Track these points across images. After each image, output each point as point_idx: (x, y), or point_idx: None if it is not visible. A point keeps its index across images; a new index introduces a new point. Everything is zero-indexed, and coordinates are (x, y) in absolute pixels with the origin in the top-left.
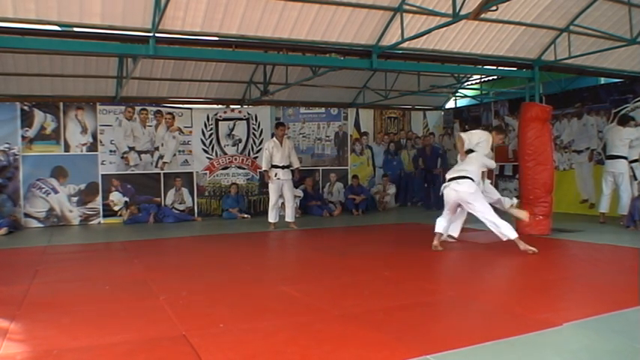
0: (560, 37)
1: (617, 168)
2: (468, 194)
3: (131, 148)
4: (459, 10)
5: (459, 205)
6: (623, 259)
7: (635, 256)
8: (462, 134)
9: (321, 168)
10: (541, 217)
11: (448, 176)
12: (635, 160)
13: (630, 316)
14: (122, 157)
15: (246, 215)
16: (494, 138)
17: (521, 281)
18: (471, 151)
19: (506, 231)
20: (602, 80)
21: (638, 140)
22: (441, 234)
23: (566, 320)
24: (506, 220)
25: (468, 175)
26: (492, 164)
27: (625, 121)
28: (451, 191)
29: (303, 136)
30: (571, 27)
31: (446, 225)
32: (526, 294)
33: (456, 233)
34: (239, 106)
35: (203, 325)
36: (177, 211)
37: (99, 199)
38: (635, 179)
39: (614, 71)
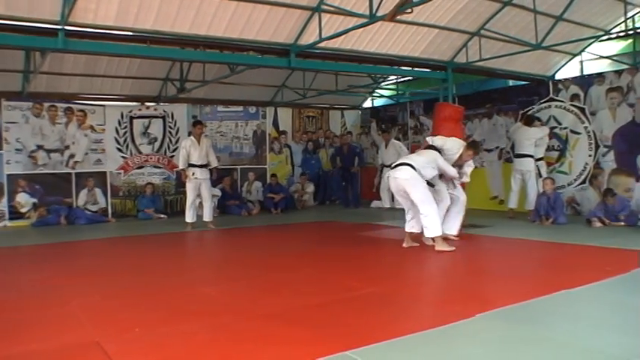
0: (471, 41)
1: (524, 166)
2: (404, 180)
3: (39, 147)
4: (376, 11)
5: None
6: (530, 252)
7: (541, 249)
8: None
9: (239, 167)
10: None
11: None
12: (541, 159)
13: (538, 305)
14: (29, 156)
15: (162, 215)
16: (464, 152)
17: (437, 275)
18: (433, 147)
19: (432, 230)
20: (511, 82)
21: (543, 140)
22: (411, 232)
23: (479, 311)
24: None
25: (409, 163)
26: (451, 171)
27: (531, 121)
28: (391, 180)
29: (221, 135)
30: (482, 31)
31: (411, 220)
32: (441, 287)
33: (454, 231)
34: (155, 104)
35: (117, 331)
36: (89, 212)
37: (4, 200)
38: (541, 176)
39: (522, 74)
